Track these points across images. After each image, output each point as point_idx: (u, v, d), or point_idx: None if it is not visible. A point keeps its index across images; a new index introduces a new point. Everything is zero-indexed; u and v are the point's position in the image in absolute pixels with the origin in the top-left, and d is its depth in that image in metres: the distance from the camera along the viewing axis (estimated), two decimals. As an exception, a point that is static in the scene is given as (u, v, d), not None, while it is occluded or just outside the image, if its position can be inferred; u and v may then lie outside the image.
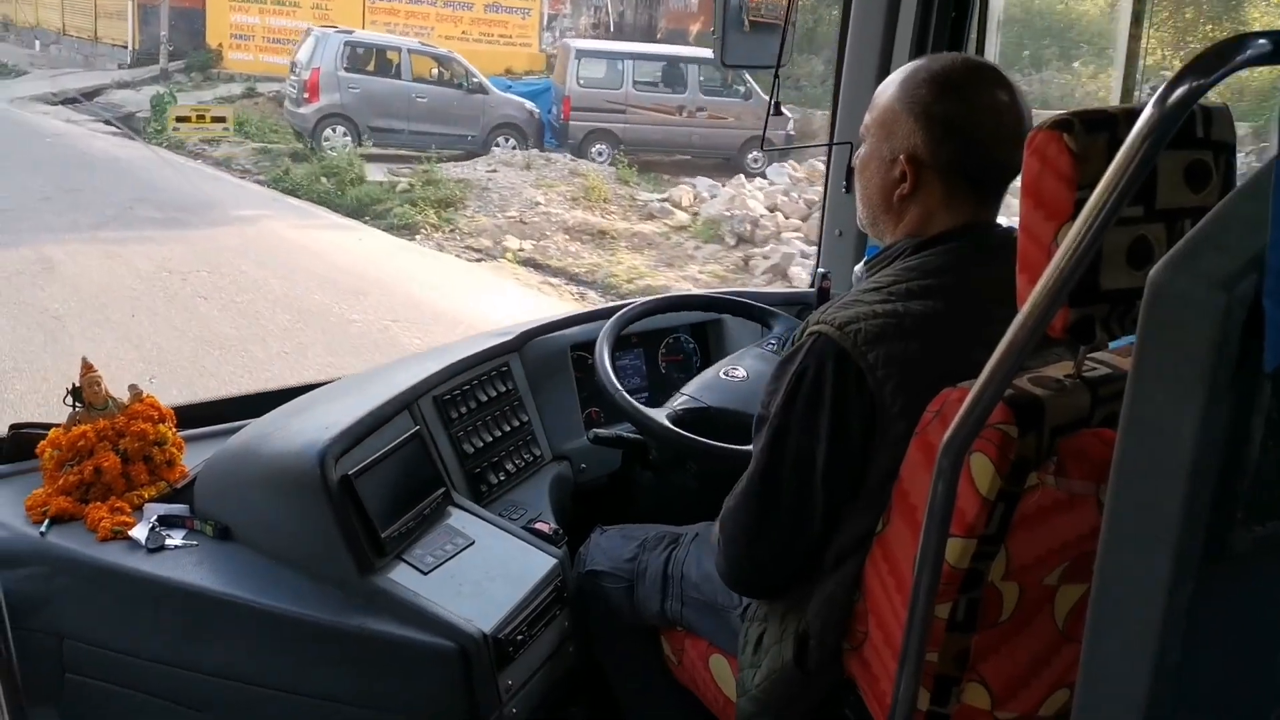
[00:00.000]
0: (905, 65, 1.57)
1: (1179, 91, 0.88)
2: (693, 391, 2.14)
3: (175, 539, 1.88)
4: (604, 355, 2.15)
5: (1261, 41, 0.87)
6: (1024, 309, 1.04)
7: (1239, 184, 1.11)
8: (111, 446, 1.95)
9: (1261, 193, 0.87)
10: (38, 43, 21.07)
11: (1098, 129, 1.19)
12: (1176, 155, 1.22)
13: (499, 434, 2.21)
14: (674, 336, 2.60)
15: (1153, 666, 0.95)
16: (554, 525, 2.09)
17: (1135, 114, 0.94)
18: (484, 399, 2.21)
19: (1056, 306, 1.03)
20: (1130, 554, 0.96)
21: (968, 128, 1.49)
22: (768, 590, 1.62)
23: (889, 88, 1.56)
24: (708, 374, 2.20)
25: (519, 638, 1.83)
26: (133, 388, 2.03)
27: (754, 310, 2.41)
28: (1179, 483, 0.90)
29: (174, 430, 2.04)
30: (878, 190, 1.58)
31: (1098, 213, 0.96)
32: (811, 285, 2.62)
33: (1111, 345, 1.29)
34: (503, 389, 2.26)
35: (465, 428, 2.15)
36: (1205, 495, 0.90)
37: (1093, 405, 1.28)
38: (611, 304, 2.44)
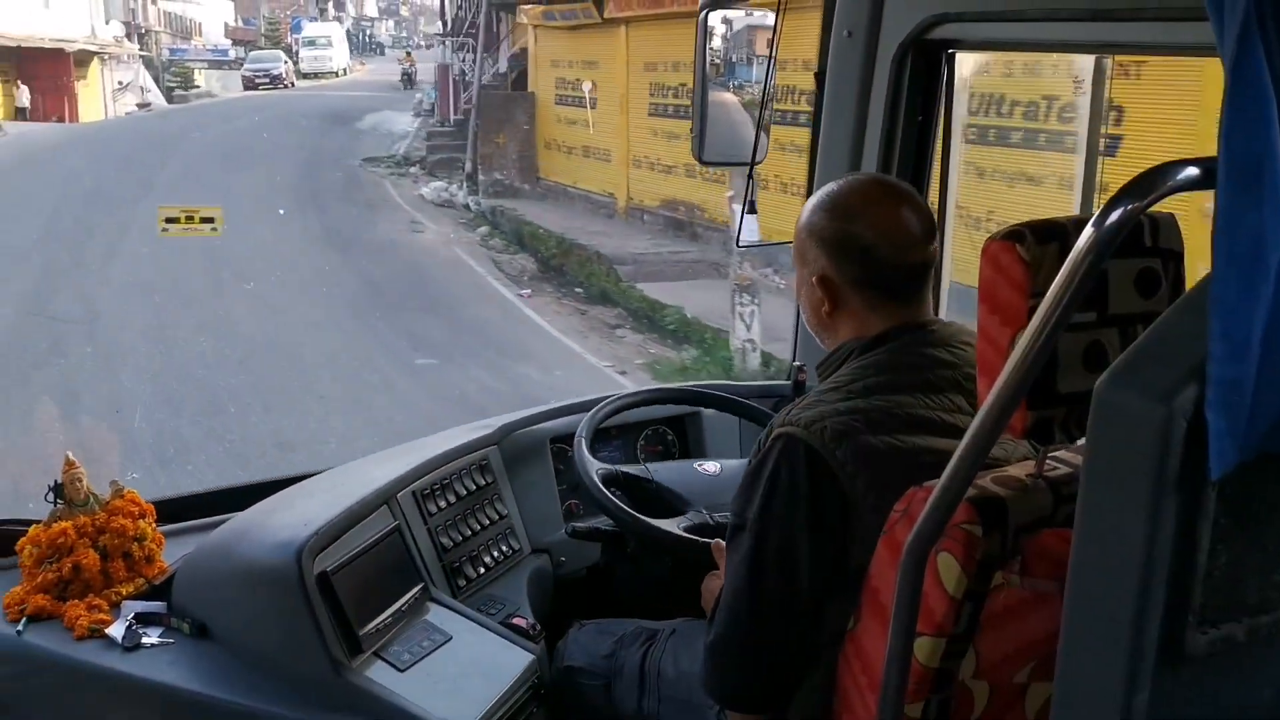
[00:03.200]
0: (815, 193, 1.67)
1: (1116, 213, 0.94)
2: (668, 484, 2.16)
3: (152, 637, 1.87)
4: (583, 448, 2.18)
5: (1192, 169, 0.92)
6: (981, 410, 1.08)
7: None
8: (91, 543, 1.95)
9: (1200, 305, 0.92)
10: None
11: (1049, 239, 1.25)
12: (1127, 263, 1.27)
13: (478, 527, 2.23)
14: (653, 429, 2.63)
15: None
16: (531, 620, 2.09)
17: (1085, 224, 0.99)
18: (463, 492, 2.22)
19: (1013, 408, 1.07)
20: (1088, 655, 0.98)
21: (862, 244, 1.59)
22: (766, 703, 1.57)
23: (801, 217, 1.66)
24: (681, 467, 2.23)
25: None
26: (114, 484, 2.04)
27: (731, 404, 2.45)
28: (1131, 586, 0.93)
29: (154, 526, 2.04)
30: (809, 310, 1.68)
31: (1048, 321, 1.01)
32: (787, 378, 2.65)
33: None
34: (482, 482, 2.27)
35: (444, 521, 2.16)
36: (1158, 598, 0.93)
37: (1055, 504, 1.31)
38: (591, 397, 2.47)
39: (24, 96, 27.29)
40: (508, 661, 1.95)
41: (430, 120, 24.55)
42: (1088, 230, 0.96)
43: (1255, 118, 0.83)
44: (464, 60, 20.89)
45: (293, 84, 37.37)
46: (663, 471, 2.23)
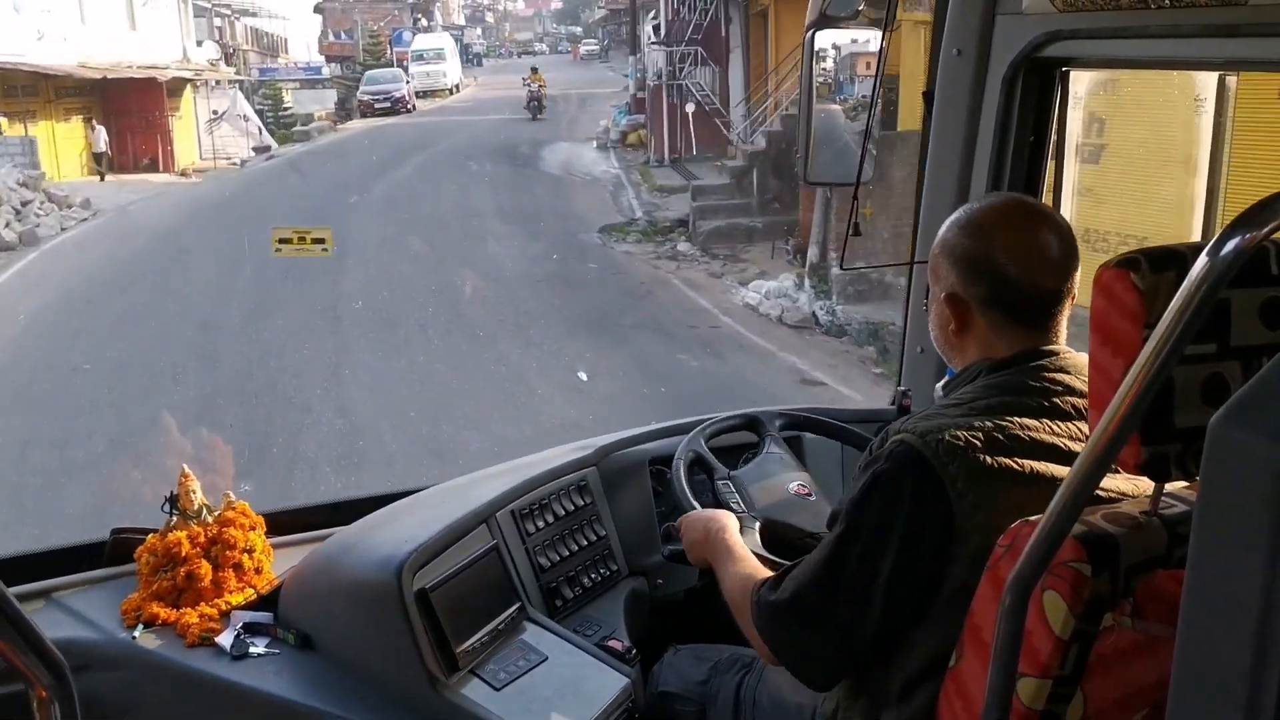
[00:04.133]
0: (955, 211, 1.64)
1: (1232, 241, 0.89)
2: (763, 508, 2.14)
3: (259, 647, 1.93)
4: (681, 470, 2.17)
5: None
6: (1089, 443, 1.04)
7: None
8: (204, 553, 2.02)
9: None
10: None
11: (1165, 266, 1.19)
12: (1251, 293, 1.20)
13: (575, 548, 2.23)
14: (752, 452, 2.60)
15: None
16: (627, 643, 2.08)
17: (1202, 251, 0.94)
18: (561, 513, 2.23)
19: (1121, 442, 1.02)
20: (1199, 706, 0.93)
21: (993, 264, 1.54)
22: (812, 677, 1.59)
23: (938, 234, 1.63)
24: (771, 483, 2.20)
25: None
26: (226, 496, 2.12)
27: (832, 429, 2.41)
28: (1246, 634, 0.87)
29: (264, 538, 2.11)
30: (937, 328, 1.65)
31: (1159, 352, 0.96)
32: (892, 402, 2.60)
33: None
34: (580, 503, 2.28)
35: (542, 541, 2.18)
36: (1275, 648, 0.87)
37: (1170, 545, 1.25)
38: (691, 419, 2.45)
39: (100, 139, 22.06)
40: (602, 684, 1.95)
41: (623, 153, 20.35)
42: (1202, 259, 0.91)
43: None
44: (686, 74, 16.84)
45: (414, 107, 32.32)
46: (751, 475, 2.20)
